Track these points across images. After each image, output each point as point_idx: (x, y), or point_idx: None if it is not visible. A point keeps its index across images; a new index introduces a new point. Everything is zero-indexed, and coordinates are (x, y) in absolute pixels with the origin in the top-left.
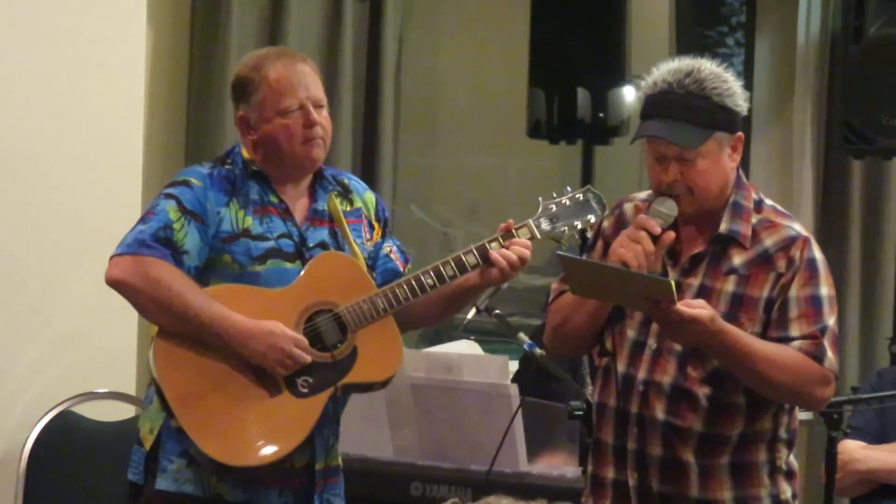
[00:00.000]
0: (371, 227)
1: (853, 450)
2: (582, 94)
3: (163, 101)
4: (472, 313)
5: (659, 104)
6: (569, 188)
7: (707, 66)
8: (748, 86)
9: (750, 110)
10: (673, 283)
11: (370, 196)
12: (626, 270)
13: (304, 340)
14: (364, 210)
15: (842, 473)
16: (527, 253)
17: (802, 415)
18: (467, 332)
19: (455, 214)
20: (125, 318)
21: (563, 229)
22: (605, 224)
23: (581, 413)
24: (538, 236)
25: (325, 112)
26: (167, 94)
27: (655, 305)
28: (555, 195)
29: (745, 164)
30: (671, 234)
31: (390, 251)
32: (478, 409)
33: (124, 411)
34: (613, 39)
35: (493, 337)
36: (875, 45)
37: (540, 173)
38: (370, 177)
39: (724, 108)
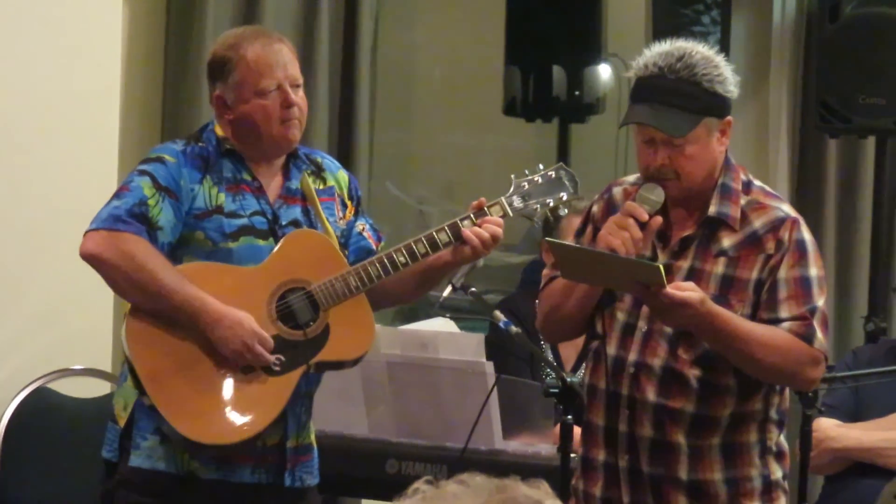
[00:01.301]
0: (344, 205)
1: (828, 428)
2: (558, 72)
3: (139, 78)
4: (447, 291)
5: (649, 89)
6: (541, 166)
7: (699, 51)
8: None
9: None
10: (662, 266)
11: (343, 175)
12: (614, 256)
13: (270, 342)
14: (337, 188)
15: (816, 451)
16: (499, 231)
17: None
18: (443, 309)
19: (431, 192)
20: (101, 295)
21: (535, 207)
22: (595, 209)
23: (556, 391)
24: (510, 214)
25: (301, 92)
26: (143, 71)
27: (645, 289)
28: (527, 172)
29: None
30: (658, 220)
31: (363, 229)
32: (453, 386)
33: (100, 387)
34: (589, 17)
35: (468, 314)
36: (851, 24)
37: (516, 151)
38: (346, 154)
39: (714, 95)
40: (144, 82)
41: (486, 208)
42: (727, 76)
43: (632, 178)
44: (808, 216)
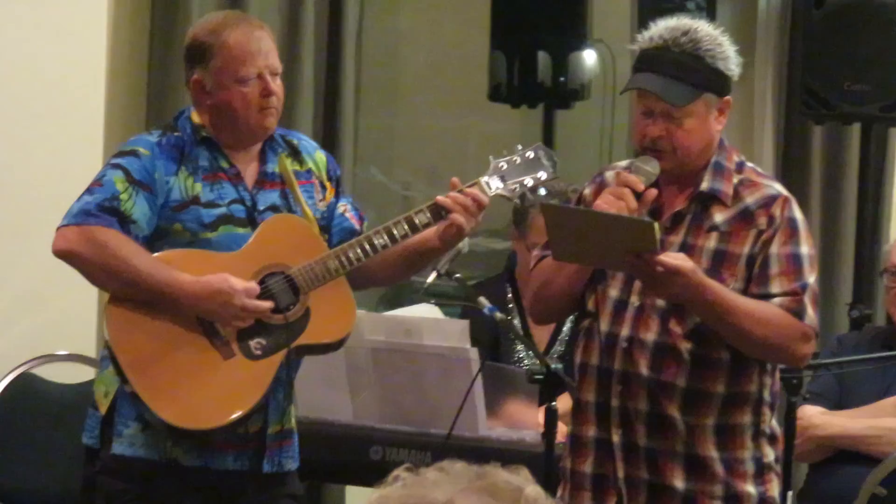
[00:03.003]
0: (323, 187)
1: (812, 416)
2: (543, 58)
3: (124, 63)
4: (432, 277)
5: (652, 59)
6: (519, 146)
7: (704, 28)
8: None
9: None
10: (657, 225)
11: (320, 155)
12: (608, 214)
13: (255, 288)
14: (315, 170)
15: (801, 439)
16: (480, 195)
17: None
18: (428, 295)
19: (415, 178)
20: (84, 282)
21: (513, 187)
22: (587, 192)
23: (541, 378)
24: (489, 194)
25: (279, 80)
26: (128, 56)
27: (638, 259)
28: (505, 153)
29: None
30: (653, 192)
31: (345, 210)
32: (438, 373)
33: (84, 373)
34: (575, 3)
35: (453, 300)
36: (836, 10)
37: (501, 136)
38: (331, 139)
39: (716, 71)
40: (129, 68)
41: (462, 188)
42: (730, 55)
43: (624, 162)
44: None
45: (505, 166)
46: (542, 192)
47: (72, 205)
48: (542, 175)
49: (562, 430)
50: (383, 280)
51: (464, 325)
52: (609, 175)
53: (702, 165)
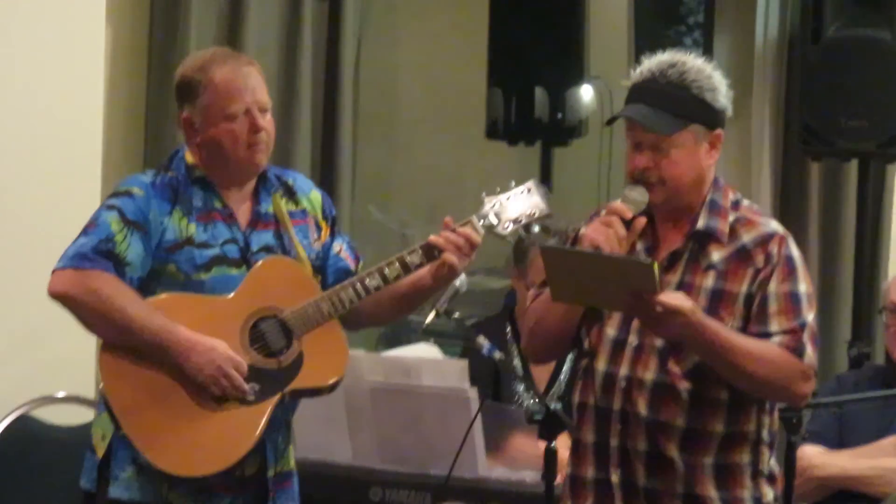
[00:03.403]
0: (318, 226)
1: (812, 455)
2: (540, 94)
3: (122, 101)
4: (431, 316)
5: (638, 91)
6: (513, 182)
7: (693, 61)
8: None
9: None
10: (656, 265)
11: (316, 194)
12: (608, 256)
13: (245, 365)
14: (310, 209)
15: (801, 479)
16: (472, 234)
17: None
18: (426, 334)
19: (413, 215)
20: None
21: (507, 225)
22: (584, 230)
23: (540, 417)
24: (480, 232)
25: (268, 116)
26: (126, 93)
27: (637, 299)
28: (498, 190)
29: None
30: (643, 220)
31: (340, 250)
32: (437, 413)
33: (83, 415)
34: (572, 39)
35: (452, 340)
36: (833, 46)
37: (498, 173)
38: (329, 177)
39: (702, 102)
40: (127, 104)
41: (454, 227)
42: (719, 87)
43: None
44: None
45: (498, 204)
46: (537, 228)
47: (67, 247)
48: (536, 212)
49: (562, 467)
50: (377, 321)
51: (463, 365)
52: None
53: (696, 202)
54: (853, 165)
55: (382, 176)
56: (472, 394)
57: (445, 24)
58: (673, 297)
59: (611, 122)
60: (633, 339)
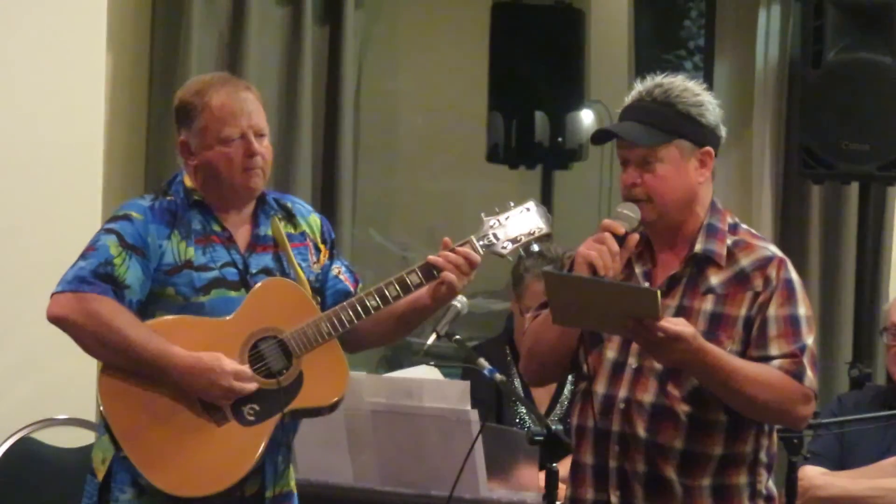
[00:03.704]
0: (317, 249)
1: (813, 476)
2: (540, 119)
3: (123, 128)
4: (432, 339)
5: (627, 111)
6: (512, 203)
7: (681, 81)
8: None
9: None
10: (658, 292)
11: (315, 218)
12: (611, 283)
13: (246, 371)
14: (309, 233)
15: (802, 500)
16: (471, 254)
17: None
18: (427, 357)
19: (414, 239)
20: None
21: (506, 244)
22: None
23: (541, 439)
24: (480, 252)
25: (266, 141)
26: (127, 121)
27: (638, 324)
28: (497, 210)
29: None
30: (636, 236)
31: (339, 272)
32: (438, 434)
33: (84, 437)
34: (572, 64)
35: (453, 362)
36: (834, 69)
37: (499, 197)
38: (329, 201)
39: (687, 117)
40: (128, 130)
41: (453, 248)
42: (706, 105)
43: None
44: (792, 261)
45: (497, 224)
46: (536, 248)
47: (67, 271)
48: (536, 231)
49: (563, 491)
50: (377, 341)
51: (464, 386)
52: None
53: (691, 223)
54: (854, 188)
55: (383, 200)
56: (474, 415)
57: (445, 49)
58: (674, 323)
59: (594, 138)
60: (632, 362)
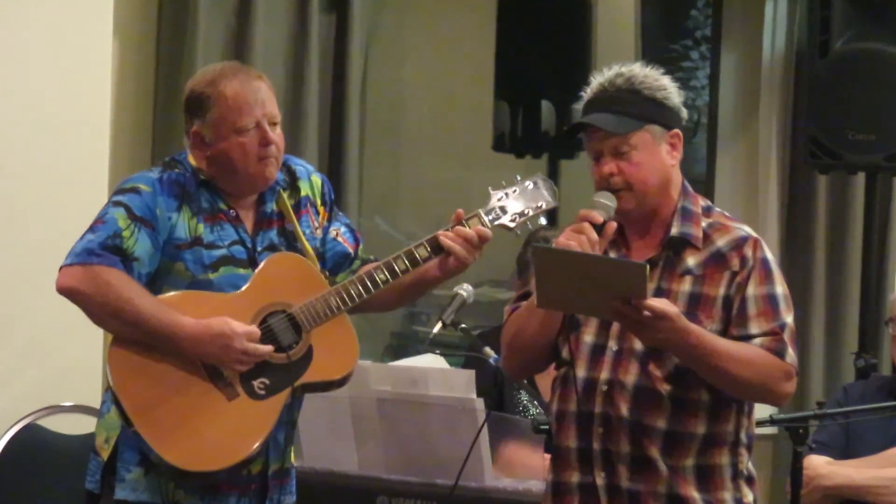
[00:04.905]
0: (317, 212)
1: (818, 465)
2: (546, 108)
3: (129, 115)
4: (437, 327)
5: (591, 103)
6: (518, 176)
7: (639, 68)
8: (713, 99)
9: (714, 124)
10: (647, 266)
11: (316, 178)
12: (601, 257)
13: (256, 332)
14: (310, 195)
15: (807, 489)
16: (481, 228)
17: (768, 429)
18: (433, 345)
19: (420, 227)
20: (89, 332)
21: (514, 217)
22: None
23: (547, 427)
24: (488, 225)
25: (278, 129)
26: (133, 107)
27: (624, 304)
28: (504, 184)
29: (709, 178)
30: (613, 225)
31: (337, 234)
32: (443, 423)
33: (89, 424)
34: (578, 53)
35: (458, 351)
36: (841, 59)
37: None
38: (336, 189)
39: (654, 101)
40: (135, 118)
41: (463, 221)
42: (669, 88)
43: None
44: (798, 251)
45: (505, 197)
46: (543, 220)
47: (75, 243)
48: (543, 205)
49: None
50: (383, 307)
51: (470, 375)
52: None
53: (665, 207)
54: (860, 178)
55: (389, 188)
56: (479, 404)
57: (452, 38)
58: (659, 302)
59: (568, 131)
60: (612, 345)
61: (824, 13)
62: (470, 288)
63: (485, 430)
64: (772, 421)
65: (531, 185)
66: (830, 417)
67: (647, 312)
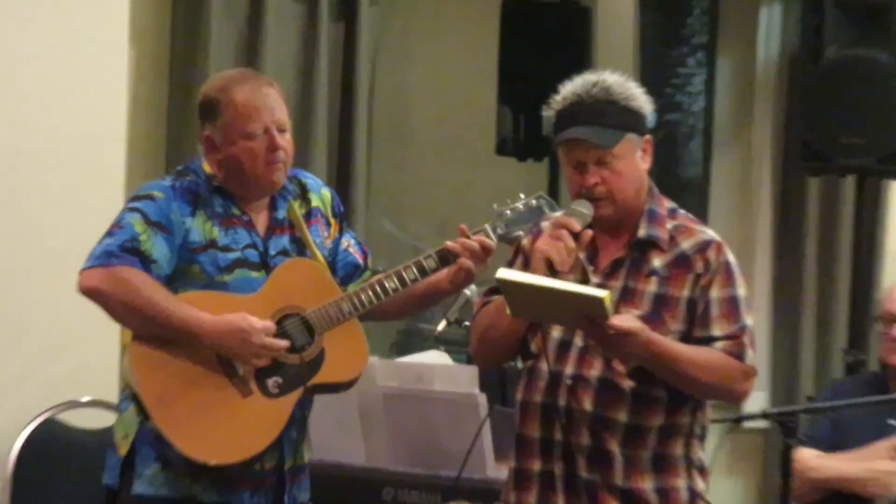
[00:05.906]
0: (328, 223)
1: (808, 458)
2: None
3: (144, 121)
4: (442, 325)
5: (571, 115)
6: (522, 195)
7: (610, 76)
8: (709, 104)
9: (710, 128)
10: (608, 295)
11: (326, 192)
12: (562, 289)
13: (272, 327)
14: (321, 207)
15: (797, 482)
16: (486, 240)
17: (759, 423)
18: (437, 342)
19: (426, 229)
20: (107, 328)
21: (517, 233)
22: (525, 242)
23: None
24: (494, 239)
25: (287, 135)
26: (148, 114)
27: (590, 322)
28: (508, 201)
29: (705, 180)
30: (589, 233)
31: (348, 245)
32: (448, 417)
33: (107, 419)
34: (579, 59)
35: (462, 347)
36: (833, 65)
37: (508, 189)
38: (344, 192)
39: (631, 111)
40: (149, 124)
41: (469, 236)
42: (639, 95)
43: (559, 212)
44: (790, 252)
45: (508, 214)
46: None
47: (93, 248)
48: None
49: None
50: (394, 316)
51: (473, 370)
52: (545, 225)
53: (636, 210)
54: (851, 181)
55: (396, 191)
56: (482, 399)
57: (457, 46)
58: (623, 321)
59: (557, 145)
60: (578, 341)
61: (817, 21)
62: (474, 287)
63: (487, 423)
64: (763, 415)
65: (534, 203)
66: (820, 412)
67: (611, 331)
